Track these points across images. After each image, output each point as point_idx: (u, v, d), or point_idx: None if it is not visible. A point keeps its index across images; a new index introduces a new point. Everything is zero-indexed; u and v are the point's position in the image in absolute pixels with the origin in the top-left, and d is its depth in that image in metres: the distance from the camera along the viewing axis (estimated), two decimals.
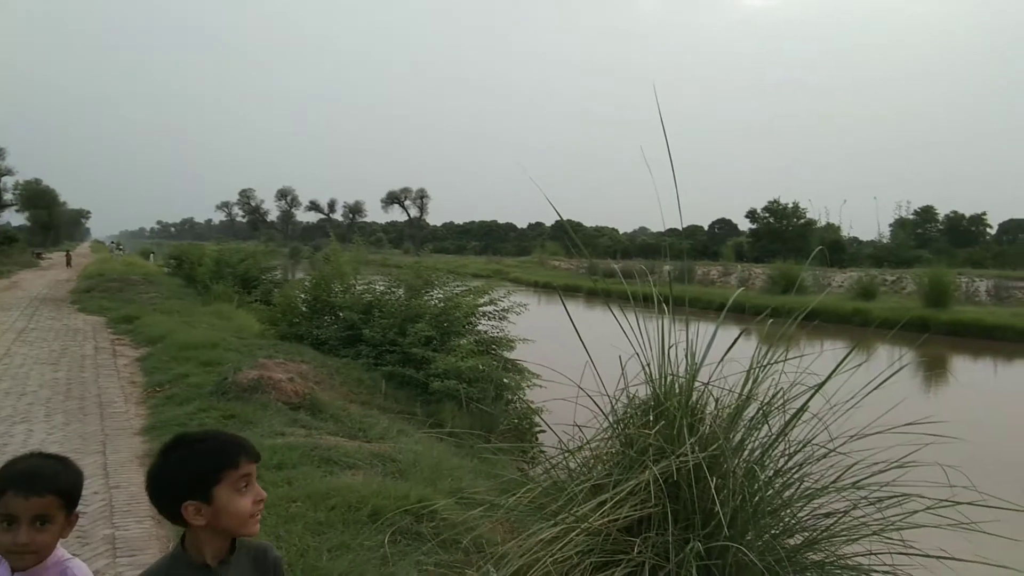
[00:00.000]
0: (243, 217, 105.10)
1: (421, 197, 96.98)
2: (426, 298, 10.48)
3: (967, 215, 58.53)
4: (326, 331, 10.83)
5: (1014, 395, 14.92)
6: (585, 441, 3.47)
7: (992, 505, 2.80)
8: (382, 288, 11.08)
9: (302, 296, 12.07)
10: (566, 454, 3.51)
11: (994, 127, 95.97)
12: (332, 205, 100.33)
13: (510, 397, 9.21)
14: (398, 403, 8.37)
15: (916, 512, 2.83)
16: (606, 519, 2.80)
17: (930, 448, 3.01)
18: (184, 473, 1.57)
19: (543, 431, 8.00)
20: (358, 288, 11.22)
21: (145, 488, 1.63)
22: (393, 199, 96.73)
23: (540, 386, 8.74)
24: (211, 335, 10.73)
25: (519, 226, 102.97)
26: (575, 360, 3.55)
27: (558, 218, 4.31)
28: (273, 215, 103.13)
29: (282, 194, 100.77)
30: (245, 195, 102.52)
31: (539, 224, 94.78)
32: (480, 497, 3.71)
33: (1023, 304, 25.34)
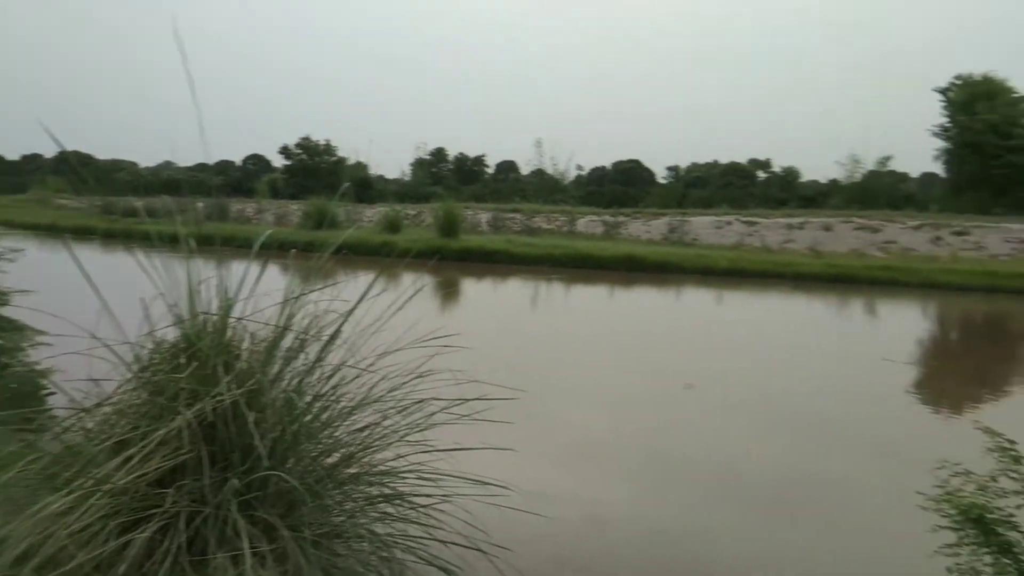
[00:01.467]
0: None
1: None
2: None
3: (471, 156, 67.34)
4: None
5: (508, 306, 17.97)
6: (105, 396, 3.12)
7: (491, 397, 3.34)
8: None
9: None
10: (81, 414, 3.10)
11: (488, 84, 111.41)
12: None
13: (6, 360, 7.73)
14: None
15: (435, 413, 3.23)
16: (133, 476, 2.57)
17: (446, 356, 3.43)
18: None
19: (53, 393, 6.94)
20: None
21: None
22: None
23: (47, 344, 7.53)
24: None
25: (9, 158, 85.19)
26: (92, 310, 3.13)
27: (60, 149, 3.67)
28: None
29: None
30: None
31: (36, 156, 79.59)
32: None
33: (513, 232, 30.41)
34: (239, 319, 3.15)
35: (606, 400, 9.50)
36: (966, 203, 36.46)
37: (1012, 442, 3.30)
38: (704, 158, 62.34)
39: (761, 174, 56.95)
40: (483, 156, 67.78)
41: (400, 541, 3.07)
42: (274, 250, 3.80)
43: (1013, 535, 3.16)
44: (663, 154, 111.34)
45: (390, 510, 3.21)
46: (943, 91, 41.44)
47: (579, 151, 64.88)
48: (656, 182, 59.84)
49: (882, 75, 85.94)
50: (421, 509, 3.19)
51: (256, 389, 2.93)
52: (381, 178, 57.15)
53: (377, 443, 3.21)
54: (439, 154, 65.89)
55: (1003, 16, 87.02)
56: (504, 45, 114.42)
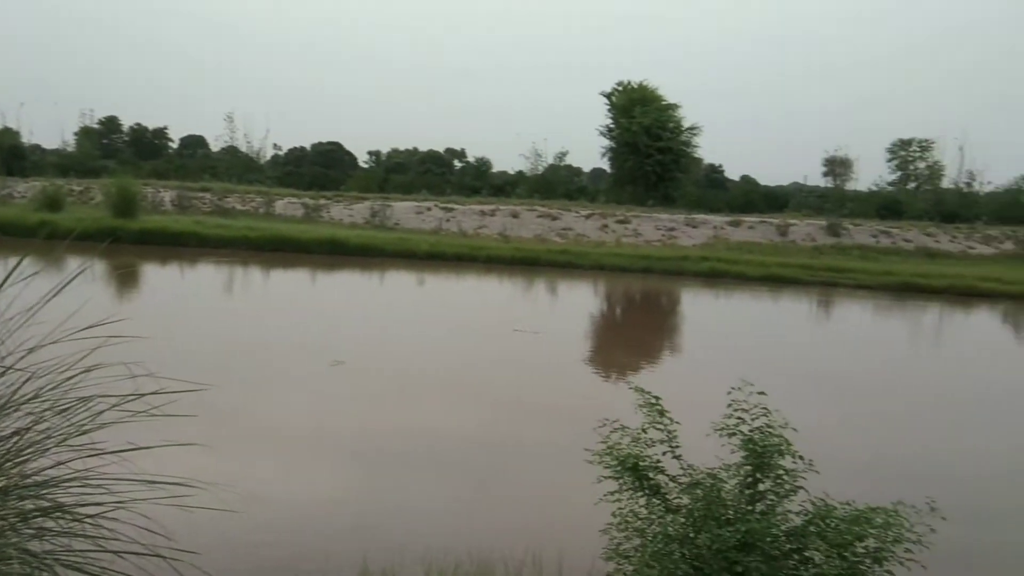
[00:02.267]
0: None
1: None
2: None
3: (151, 128, 60.75)
4: None
5: (195, 292, 16.63)
6: None
7: (170, 391, 3.06)
8: None
9: None
10: None
11: (172, 50, 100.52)
12: None
13: None
14: None
15: (103, 412, 2.88)
16: None
17: (119, 349, 3.07)
18: None
19: None
20: None
21: None
22: None
23: None
24: None
25: None
26: None
27: None
28: None
29: None
30: None
31: None
32: None
33: (203, 213, 28.17)
34: None
35: (288, 384, 9.33)
36: (627, 195, 41.79)
37: (658, 398, 3.89)
38: (404, 145, 63.36)
39: (457, 163, 59.59)
40: (165, 129, 61.56)
41: (62, 557, 2.70)
42: None
43: (661, 478, 3.73)
44: (364, 139, 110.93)
45: (50, 524, 2.81)
46: (608, 95, 46.79)
47: (276, 130, 61.55)
48: (358, 166, 59.44)
49: (560, 78, 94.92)
50: (88, 520, 2.84)
51: None
52: (37, 148, 49.13)
53: (29, 451, 2.77)
54: (111, 123, 58.33)
55: (656, 30, 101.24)
56: (192, 9, 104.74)
